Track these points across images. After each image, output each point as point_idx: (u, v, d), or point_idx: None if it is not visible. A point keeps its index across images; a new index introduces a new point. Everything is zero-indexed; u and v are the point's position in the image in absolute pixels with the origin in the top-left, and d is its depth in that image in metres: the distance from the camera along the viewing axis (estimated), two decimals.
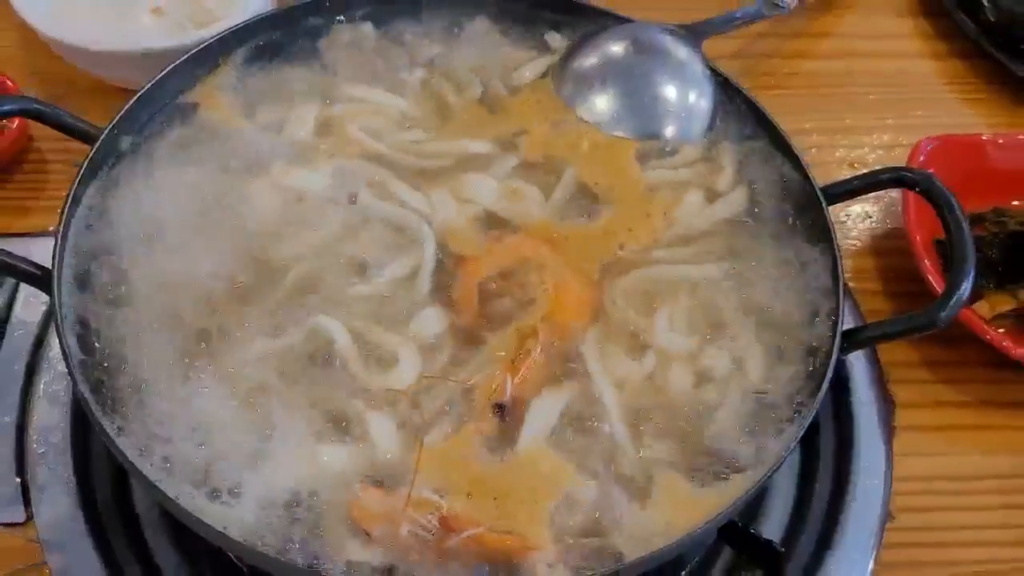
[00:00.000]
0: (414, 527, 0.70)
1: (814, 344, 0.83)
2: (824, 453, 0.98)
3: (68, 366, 0.75)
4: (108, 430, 0.73)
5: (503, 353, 0.80)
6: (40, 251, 0.81)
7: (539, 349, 0.80)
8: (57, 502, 0.88)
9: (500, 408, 0.77)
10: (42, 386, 0.96)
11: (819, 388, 0.78)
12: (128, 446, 0.73)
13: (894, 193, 1.21)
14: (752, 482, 0.75)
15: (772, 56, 1.40)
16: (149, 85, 0.93)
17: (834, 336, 0.80)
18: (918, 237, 1.07)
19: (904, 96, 1.36)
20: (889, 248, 1.18)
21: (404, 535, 0.70)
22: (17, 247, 0.80)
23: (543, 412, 0.78)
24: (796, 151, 0.93)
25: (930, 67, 1.41)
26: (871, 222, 1.21)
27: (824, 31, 1.44)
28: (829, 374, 0.78)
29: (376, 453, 0.75)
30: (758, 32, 1.39)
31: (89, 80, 1.23)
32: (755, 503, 0.95)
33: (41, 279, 0.79)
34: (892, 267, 1.16)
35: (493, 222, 0.91)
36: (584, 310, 0.84)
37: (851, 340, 0.81)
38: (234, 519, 0.70)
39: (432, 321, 0.83)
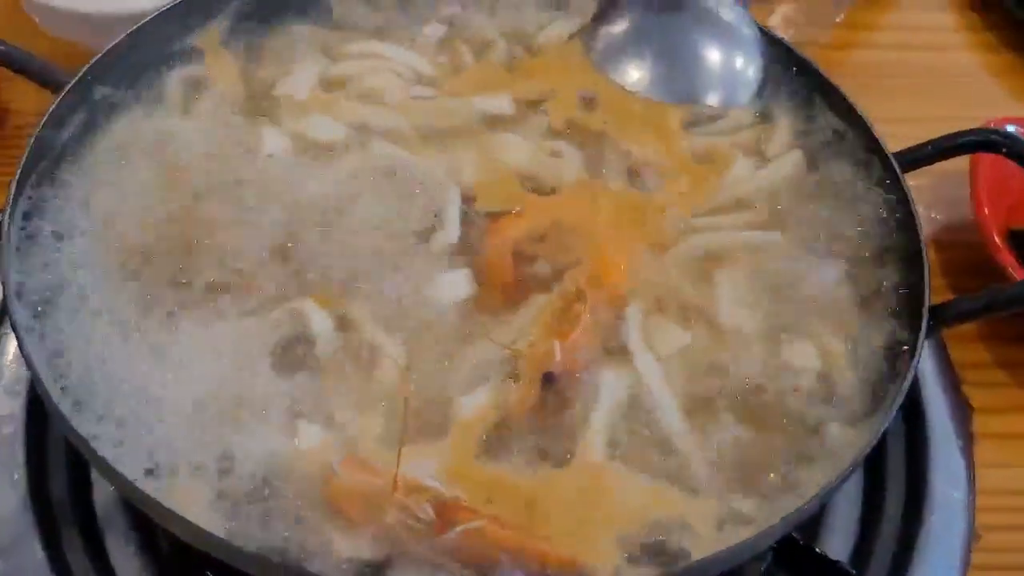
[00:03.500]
0: (404, 515, 0.58)
1: (893, 321, 0.72)
2: (893, 460, 0.85)
3: (16, 334, 0.64)
4: (61, 408, 0.62)
5: (542, 321, 0.70)
6: None
7: (588, 315, 0.69)
8: (4, 497, 0.76)
9: (549, 378, 0.66)
10: None
11: (904, 375, 0.66)
12: (83, 425, 0.62)
13: (954, 186, 1.10)
14: (821, 485, 0.62)
15: (813, 44, 1.29)
16: (130, 33, 0.82)
17: (920, 311, 0.68)
18: (987, 213, 0.98)
19: (954, 87, 1.27)
20: (952, 242, 1.07)
21: (391, 523, 0.58)
22: None
23: (602, 397, 0.67)
24: (860, 112, 0.83)
25: (980, 59, 1.32)
26: (931, 213, 1.10)
27: (870, 22, 1.35)
28: (917, 354, 0.66)
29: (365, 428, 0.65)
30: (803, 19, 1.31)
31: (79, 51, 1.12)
32: (816, 516, 0.81)
33: None
34: (955, 261, 1.05)
35: (527, 181, 0.80)
36: (632, 279, 0.73)
37: (939, 316, 0.69)
38: (193, 506, 0.59)
39: (459, 284, 0.72)
